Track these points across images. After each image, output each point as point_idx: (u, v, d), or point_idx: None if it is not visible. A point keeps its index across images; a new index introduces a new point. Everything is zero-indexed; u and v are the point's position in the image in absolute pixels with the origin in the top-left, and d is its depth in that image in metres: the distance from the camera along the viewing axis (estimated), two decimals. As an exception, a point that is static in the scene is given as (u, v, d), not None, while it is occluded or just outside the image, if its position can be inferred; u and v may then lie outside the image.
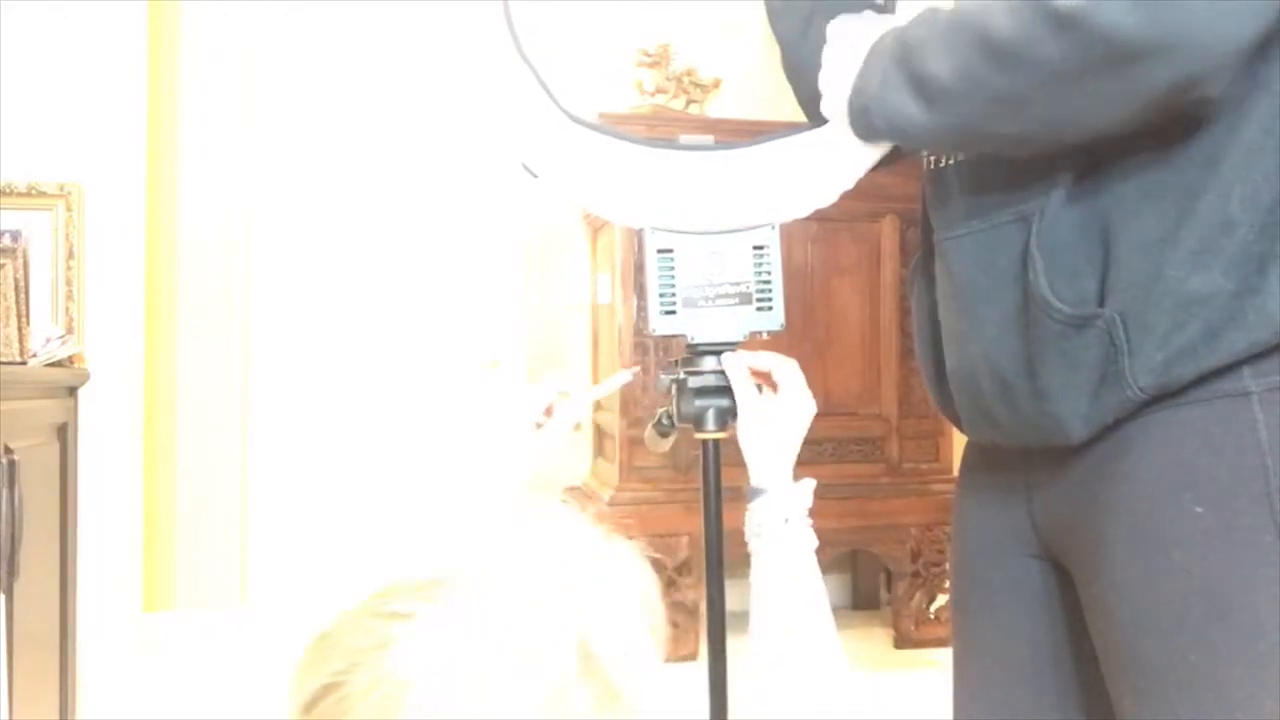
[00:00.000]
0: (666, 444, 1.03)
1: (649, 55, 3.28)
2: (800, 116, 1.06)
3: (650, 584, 0.54)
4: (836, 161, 0.99)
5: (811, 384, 0.94)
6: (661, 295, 0.95)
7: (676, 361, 0.98)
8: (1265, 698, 0.69)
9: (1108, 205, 0.78)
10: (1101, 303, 0.78)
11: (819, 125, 0.98)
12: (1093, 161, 0.79)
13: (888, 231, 3.11)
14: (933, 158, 0.95)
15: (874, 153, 0.99)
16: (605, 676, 0.47)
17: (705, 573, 0.98)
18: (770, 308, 0.97)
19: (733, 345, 0.96)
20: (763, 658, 0.81)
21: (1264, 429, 0.73)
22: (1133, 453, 0.79)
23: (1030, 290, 0.79)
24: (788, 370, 0.92)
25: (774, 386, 0.93)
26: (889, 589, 3.23)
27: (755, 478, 0.89)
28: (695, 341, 0.96)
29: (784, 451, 0.90)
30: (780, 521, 0.85)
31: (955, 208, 0.90)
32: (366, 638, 0.47)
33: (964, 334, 0.89)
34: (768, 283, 0.97)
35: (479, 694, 0.45)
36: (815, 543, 0.87)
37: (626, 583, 0.52)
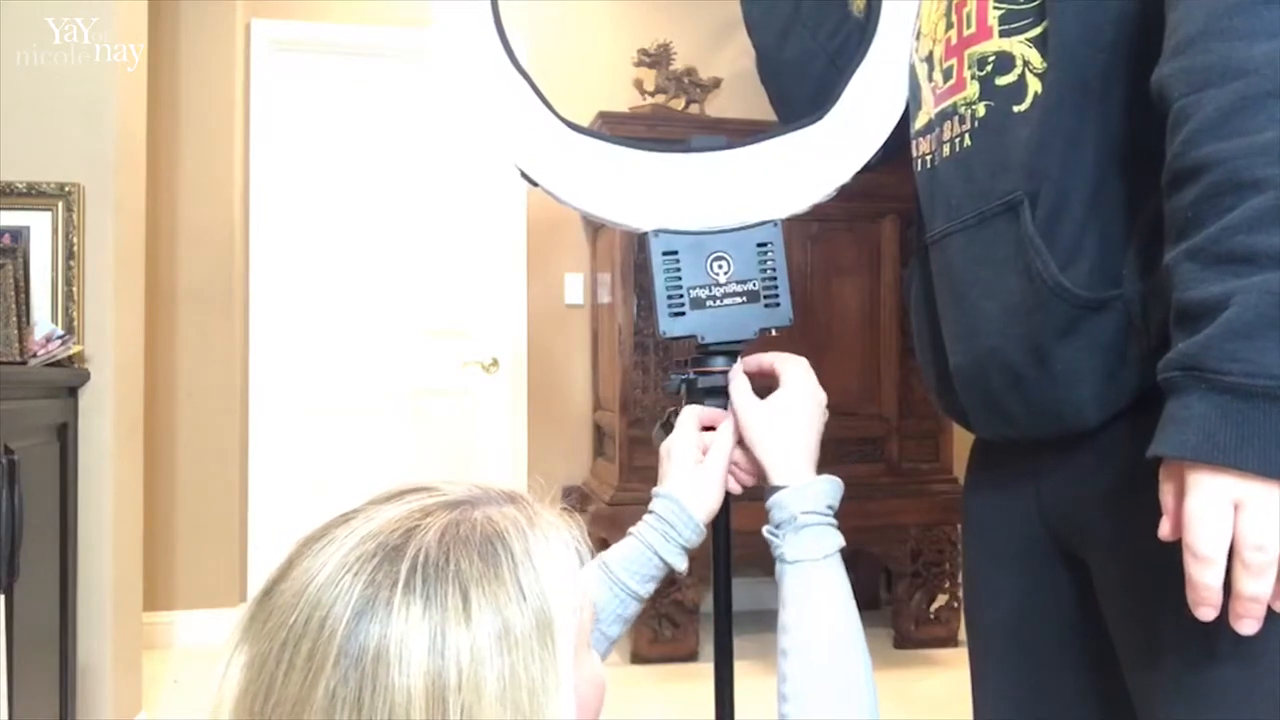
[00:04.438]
0: None
1: (649, 55, 3.28)
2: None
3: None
4: (832, 157, 1.00)
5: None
6: (669, 298, 0.95)
7: (685, 362, 0.98)
8: (1274, 653, 0.70)
9: (1113, 189, 0.78)
10: (1118, 284, 0.78)
11: (792, 129, 0.99)
12: (1093, 143, 0.79)
13: (888, 231, 3.11)
14: (927, 157, 0.95)
15: (868, 147, 1.01)
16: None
17: (713, 575, 0.98)
18: (778, 304, 0.97)
19: (744, 343, 0.96)
20: (790, 675, 0.75)
21: None
22: (1143, 432, 0.78)
23: (1037, 277, 0.79)
24: (789, 364, 0.91)
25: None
26: (889, 589, 3.23)
27: (772, 477, 0.85)
28: (706, 342, 0.96)
29: (793, 446, 0.85)
30: (790, 520, 0.81)
31: (948, 204, 0.90)
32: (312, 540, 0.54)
33: (969, 330, 0.89)
34: (774, 279, 0.97)
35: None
36: (841, 542, 0.81)
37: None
